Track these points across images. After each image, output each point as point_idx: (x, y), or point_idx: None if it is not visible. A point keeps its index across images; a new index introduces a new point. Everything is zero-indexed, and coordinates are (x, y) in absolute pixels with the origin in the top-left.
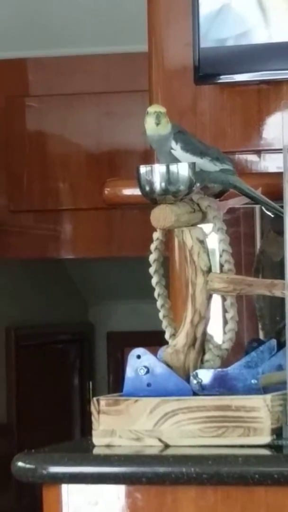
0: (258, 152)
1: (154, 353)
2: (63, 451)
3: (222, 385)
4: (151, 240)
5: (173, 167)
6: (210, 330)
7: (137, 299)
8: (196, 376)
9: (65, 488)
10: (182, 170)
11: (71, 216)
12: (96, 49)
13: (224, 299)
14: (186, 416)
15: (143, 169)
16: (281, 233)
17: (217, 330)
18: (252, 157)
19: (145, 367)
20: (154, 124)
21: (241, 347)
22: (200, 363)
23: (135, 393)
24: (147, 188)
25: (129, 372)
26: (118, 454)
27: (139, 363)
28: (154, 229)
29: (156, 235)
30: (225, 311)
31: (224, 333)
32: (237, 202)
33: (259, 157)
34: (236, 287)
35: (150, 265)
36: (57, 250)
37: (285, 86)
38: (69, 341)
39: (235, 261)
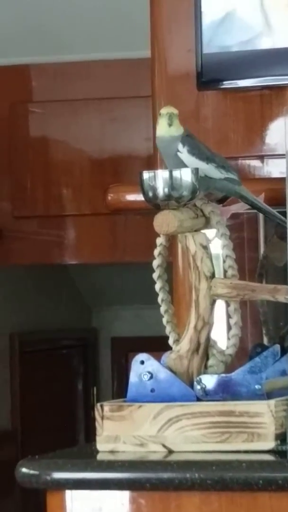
0: (261, 158)
1: (158, 358)
2: (67, 457)
3: (225, 391)
4: (155, 246)
5: (176, 173)
6: (214, 335)
7: (140, 305)
8: (199, 382)
9: (69, 494)
10: (185, 176)
11: (75, 221)
12: (99, 55)
13: (227, 304)
14: (190, 421)
15: (146, 174)
16: (284, 238)
17: (221, 336)
18: (255, 163)
19: (149, 372)
20: (167, 124)
21: (244, 352)
22: (204, 368)
23: (138, 399)
24: (150, 194)
25: (132, 378)
26: (122, 460)
27: (143, 368)
28: (158, 235)
29: (160, 240)
30: (228, 316)
31: (228, 338)
32: (240, 207)
33: (262, 162)
34: (240, 292)
35: (153, 271)
36: (61, 255)
37: None
38: (73, 346)
39: (238, 267)
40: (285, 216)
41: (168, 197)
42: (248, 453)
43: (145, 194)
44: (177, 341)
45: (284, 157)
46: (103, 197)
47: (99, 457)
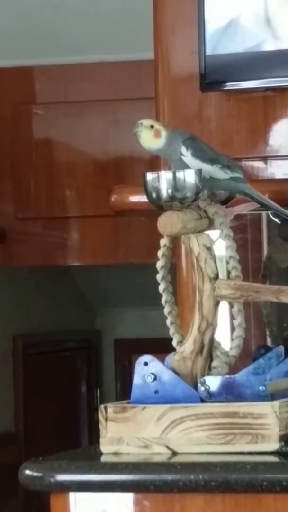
0: (265, 159)
1: (162, 360)
2: (70, 459)
3: (229, 392)
4: (158, 247)
5: (180, 174)
6: (218, 336)
7: (144, 306)
8: (203, 383)
9: (73, 496)
10: (188, 177)
11: (78, 223)
12: (102, 57)
13: (231, 305)
14: (194, 423)
15: (149, 176)
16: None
17: (225, 337)
18: (258, 164)
19: (153, 374)
20: (147, 137)
21: (248, 353)
22: (208, 370)
23: (142, 400)
24: (154, 195)
25: (136, 379)
26: (126, 462)
27: (147, 370)
28: (161, 236)
29: (163, 241)
30: (232, 317)
31: (232, 339)
32: (244, 208)
33: (266, 163)
34: (243, 293)
35: (157, 272)
36: (64, 257)
37: None
38: (76, 348)
39: (242, 268)
40: None
41: (171, 198)
42: (252, 454)
43: (148, 195)
44: (180, 342)
45: None
46: (107, 198)
47: (103, 459)
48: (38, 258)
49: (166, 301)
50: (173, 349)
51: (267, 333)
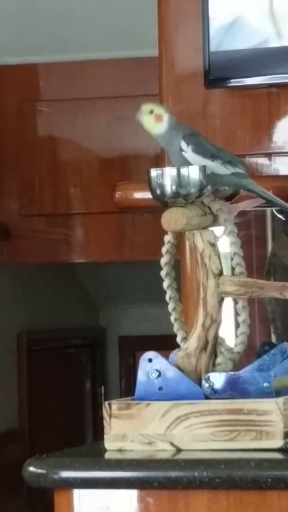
0: (269, 155)
1: (166, 356)
2: (74, 455)
3: (234, 389)
4: (162, 243)
5: (184, 170)
6: (222, 333)
7: (148, 303)
8: (208, 380)
9: (77, 493)
10: (193, 173)
11: (82, 220)
12: (106, 53)
13: (235, 302)
14: (198, 420)
15: (154, 172)
16: None
17: (229, 333)
18: (262, 160)
19: (157, 370)
20: (149, 122)
21: (253, 350)
22: (212, 366)
23: (146, 397)
24: (158, 191)
25: (140, 376)
26: (130, 459)
27: (151, 366)
28: (165, 232)
29: (167, 238)
30: (236, 314)
31: (236, 336)
32: (248, 205)
33: (270, 160)
34: (248, 290)
35: (161, 268)
36: (68, 254)
37: None
38: (81, 345)
39: (246, 264)
40: None
41: (175, 194)
42: (256, 451)
43: (152, 191)
44: (185, 339)
45: None
46: (111, 195)
47: (107, 455)
48: (42, 255)
49: (170, 298)
50: (177, 346)
51: (272, 329)
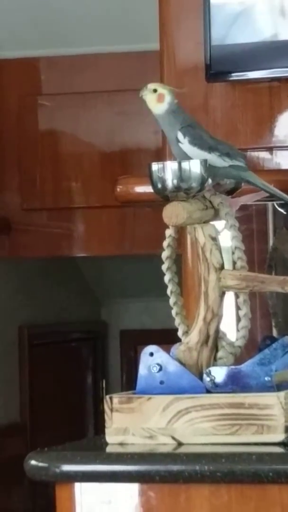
0: (270, 149)
1: (167, 350)
2: (76, 449)
3: (235, 383)
4: (164, 238)
5: (185, 164)
6: (223, 327)
7: (149, 297)
8: (209, 374)
9: (78, 486)
10: (194, 167)
11: (84, 214)
12: (108, 47)
13: (237, 296)
14: (199, 413)
15: (155, 166)
16: None
17: (230, 328)
18: (264, 154)
19: (158, 364)
20: (151, 101)
21: (254, 344)
22: (213, 360)
23: (148, 391)
24: (159, 185)
25: (142, 370)
26: (131, 452)
27: (152, 360)
28: (167, 226)
29: (169, 232)
30: (238, 308)
31: (237, 330)
32: (250, 199)
33: (271, 154)
34: (249, 284)
35: (162, 263)
36: (70, 248)
37: None
38: (82, 339)
39: (247, 258)
40: None
41: (177, 188)
42: (257, 445)
43: (154, 185)
44: (186, 333)
45: None
46: (112, 189)
47: (108, 449)
48: (44, 249)
49: (171, 292)
50: (178, 340)
51: (273, 323)
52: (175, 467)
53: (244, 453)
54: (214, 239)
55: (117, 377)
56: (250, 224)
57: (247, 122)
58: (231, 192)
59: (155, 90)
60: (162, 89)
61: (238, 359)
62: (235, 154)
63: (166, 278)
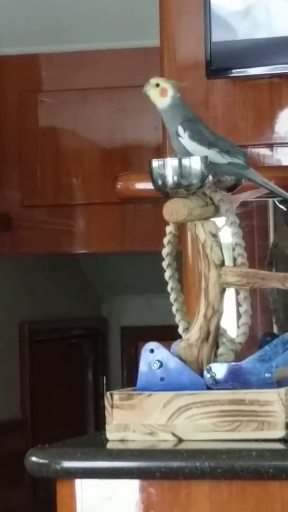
0: (271, 146)
1: (168, 347)
2: (76, 445)
3: (235, 379)
4: (164, 234)
5: (186, 161)
6: (224, 324)
7: (150, 294)
8: (209, 370)
9: (79, 483)
10: (194, 164)
11: (84, 210)
12: (108, 44)
13: (237, 293)
14: (200, 410)
15: (155, 163)
16: None
17: (231, 324)
18: (264, 151)
19: (159, 361)
20: (154, 95)
21: (254, 341)
22: (214, 357)
23: (148, 388)
24: (160, 182)
25: (142, 366)
26: (132, 449)
27: (153, 357)
28: (167, 223)
29: (169, 229)
30: (238, 305)
31: (238, 327)
32: (250, 195)
33: (272, 150)
34: (249, 280)
35: (163, 259)
36: (70, 244)
37: None
38: (83, 336)
39: (248, 255)
40: None
41: (177, 185)
42: (258, 441)
43: (154, 182)
44: (186, 329)
45: None
46: (113, 186)
47: (109, 446)
48: (44, 245)
49: (172, 288)
50: (179, 336)
51: (273, 320)
52: (175, 464)
53: (244, 449)
54: (215, 235)
55: (118, 374)
56: (250, 220)
57: (247, 118)
58: (232, 188)
59: (157, 85)
60: (164, 83)
61: (239, 356)
62: (235, 151)
63: (167, 275)
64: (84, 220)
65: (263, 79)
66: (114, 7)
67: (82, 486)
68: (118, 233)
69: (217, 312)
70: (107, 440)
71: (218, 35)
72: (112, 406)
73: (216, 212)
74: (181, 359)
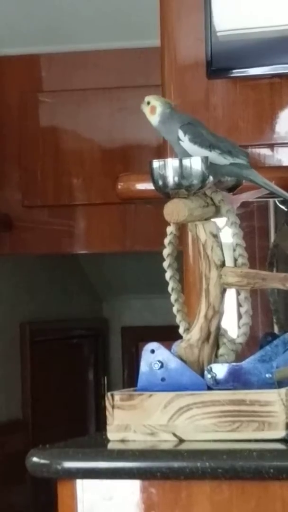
0: (271, 146)
1: (168, 347)
2: (77, 446)
3: (236, 380)
4: (165, 235)
5: (186, 161)
6: (224, 324)
7: (151, 294)
8: (210, 371)
9: (80, 483)
10: (195, 164)
11: (85, 211)
12: (108, 44)
13: (238, 293)
14: (201, 410)
15: (156, 163)
16: None
17: (231, 324)
18: (265, 151)
19: (159, 361)
20: (148, 115)
21: (255, 341)
22: (214, 357)
23: (149, 388)
24: (160, 183)
25: (143, 367)
26: (133, 449)
27: (153, 357)
28: (168, 224)
29: (170, 229)
30: (239, 305)
31: (238, 327)
32: (251, 196)
33: (272, 150)
34: (250, 281)
35: (163, 260)
36: (71, 245)
37: None
38: (84, 336)
39: (249, 255)
40: None
41: (178, 185)
42: (259, 442)
43: (155, 183)
44: (187, 330)
45: None
46: (113, 186)
47: (110, 446)
48: (45, 246)
49: (172, 289)
50: (179, 337)
51: (274, 320)
52: (176, 464)
53: (245, 449)
54: (215, 236)
55: (119, 374)
56: (251, 221)
57: (248, 118)
58: (232, 189)
59: (148, 103)
60: (154, 101)
61: (239, 356)
62: (237, 152)
63: (167, 275)
64: (84, 221)
65: (263, 79)
66: (114, 7)
67: (83, 487)
68: (119, 233)
69: (218, 312)
70: (108, 441)
71: (219, 35)
72: (113, 407)
73: (217, 213)
74: (181, 359)
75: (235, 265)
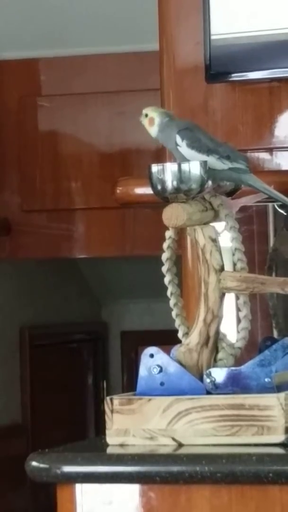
0: (270, 150)
1: (167, 352)
2: (77, 450)
3: (235, 384)
4: (164, 239)
5: (185, 166)
6: (223, 328)
7: (150, 298)
8: (209, 375)
9: (79, 487)
10: (193, 168)
11: (84, 215)
12: (107, 48)
13: (237, 297)
14: (200, 415)
15: (154, 168)
16: None
17: (230, 329)
18: (264, 155)
19: (158, 366)
20: (147, 126)
21: (254, 345)
22: (213, 361)
23: (148, 392)
24: (159, 187)
25: (142, 371)
26: (132, 454)
27: (152, 362)
28: (167, 228)
29: (169, 233)
30: (238, 309)
31: (237, 331)
32: (250, 200)
33: (271, 154)
34: (249, 285)
35: (162, 264)
36: (70, 249)
37: None
38: (83, 340)
39: (247, 260)
40: None
41: (176, 190)
42: (258, 446)
43: (153, 187)
44: (186, 334)
45: None
46: (112, 190)
47: (109, 450)
48: (44, 250)
49: (171, 293)
50: (179, 341)
51: (273, 324)
52: (175, 468)
53: (244, 454)
54: (214, 240)
55: (118, 378)
56: (250, 225)
57: (247, 122)
58: (231, 193)
59: (146, 115)
60: (151, 113)
61: (238, 361)
62: (236, 156)
63: (166, 280)
64: (83, 225)
65: (262, 83)
66: (113, 11)
67: (82, 491)
68: (118, 237)
69: (217, 317)
70: (107, 445)
71: (218, 39)
72: (112, 411)
73: (216, 217)
74: (181, 363)
75: (234, 269)
